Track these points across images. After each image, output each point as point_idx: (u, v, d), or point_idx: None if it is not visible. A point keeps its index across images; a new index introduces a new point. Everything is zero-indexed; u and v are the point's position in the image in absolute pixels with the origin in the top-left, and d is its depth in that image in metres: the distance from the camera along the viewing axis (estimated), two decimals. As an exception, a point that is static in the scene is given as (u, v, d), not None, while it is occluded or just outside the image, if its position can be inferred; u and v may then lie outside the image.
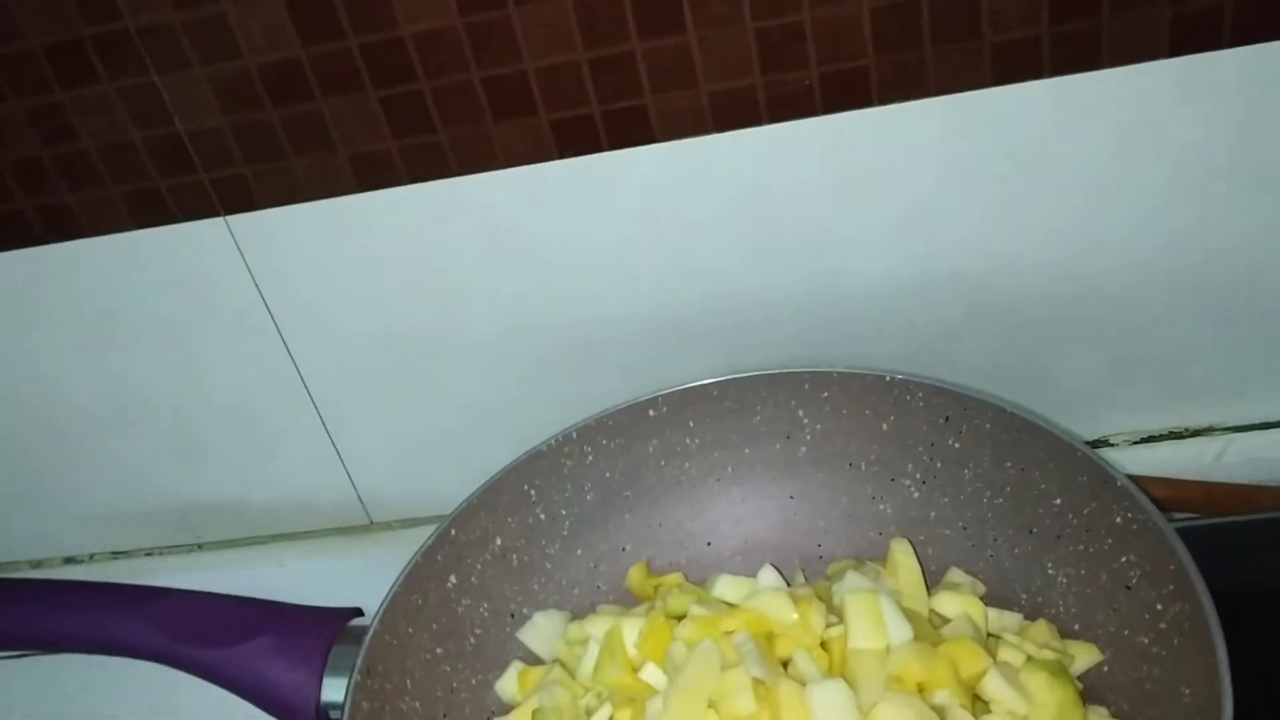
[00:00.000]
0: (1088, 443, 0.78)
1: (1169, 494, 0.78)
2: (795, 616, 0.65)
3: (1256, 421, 0.81)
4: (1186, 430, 0.82)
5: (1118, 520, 0.64)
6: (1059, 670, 0.61)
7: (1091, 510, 0.65)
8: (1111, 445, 0.83)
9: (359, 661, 0.64)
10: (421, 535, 0.82)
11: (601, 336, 0.78)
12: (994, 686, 0.61)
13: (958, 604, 0.67)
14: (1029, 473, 0.68)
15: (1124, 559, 0.64)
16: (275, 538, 0.92)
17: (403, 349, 0.80)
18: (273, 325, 0.79)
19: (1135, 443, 0.83)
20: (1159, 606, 0.61)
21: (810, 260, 0.74)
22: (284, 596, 0.75)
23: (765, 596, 0.67)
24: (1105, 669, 0.64)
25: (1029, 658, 0.63)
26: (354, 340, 0.80)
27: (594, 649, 0.68)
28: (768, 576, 0.70)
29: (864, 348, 0.78)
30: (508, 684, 0.70)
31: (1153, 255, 0.73)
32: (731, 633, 0.65)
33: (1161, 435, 0.82)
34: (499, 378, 0.81)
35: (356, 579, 0.86)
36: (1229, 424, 0.81)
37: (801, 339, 0.77)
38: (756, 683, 0.61)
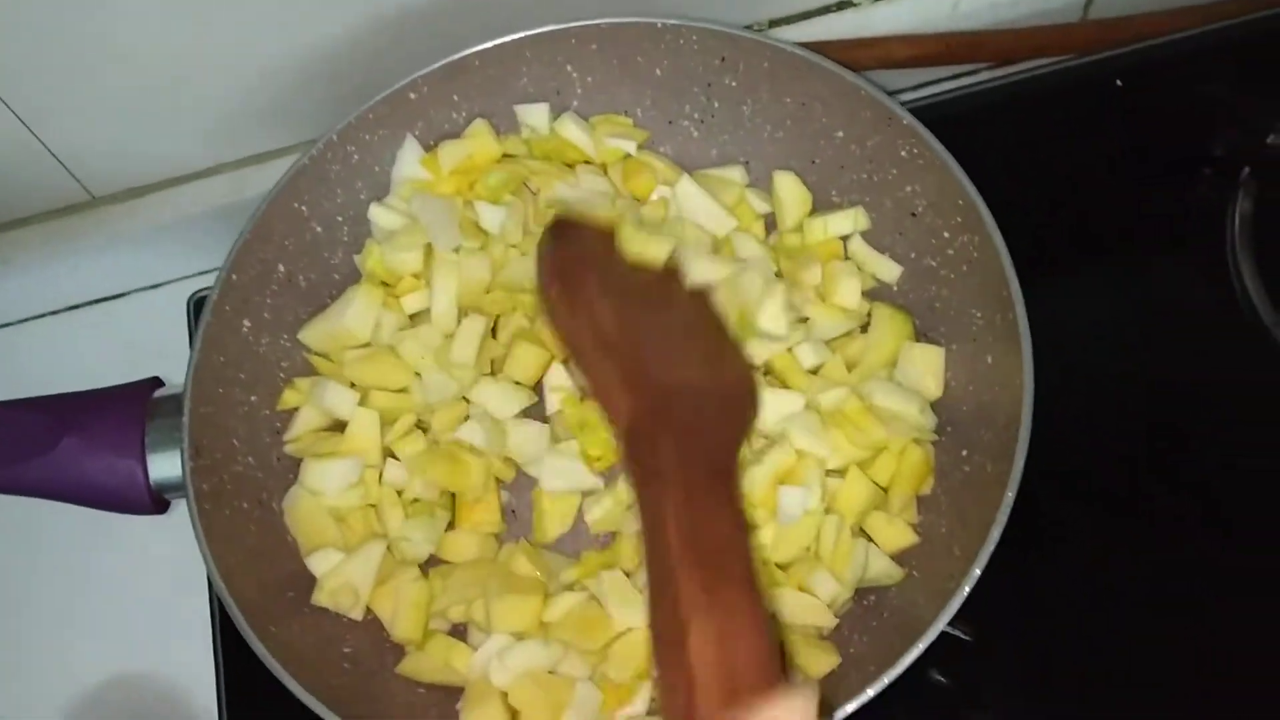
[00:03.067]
0: (832, 6, 0.78)
1: (911, 52, 0.80)
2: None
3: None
4: (925, -16, 0.82)
5: (902, 154, 0.66)
6: (902, 310, 0.67)
7: (875, 143, 0.67)
8: (855, 5, 0.82)
9: (185, 446, 0.61)
10: (153, 205, 0.77)
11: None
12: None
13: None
14: (809, 107, 0.69)
15: (908, 189, 0.67)
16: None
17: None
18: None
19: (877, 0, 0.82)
20: (946, 234, 0.65)
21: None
22: (22, 295, 0.72)
23: None
24: (896, 289, 0.69)
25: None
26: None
27: None
28: None
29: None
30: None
31: None
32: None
33: (903, -10, 0.82)
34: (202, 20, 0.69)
35: (94, 261, 0.80)
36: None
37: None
38: None
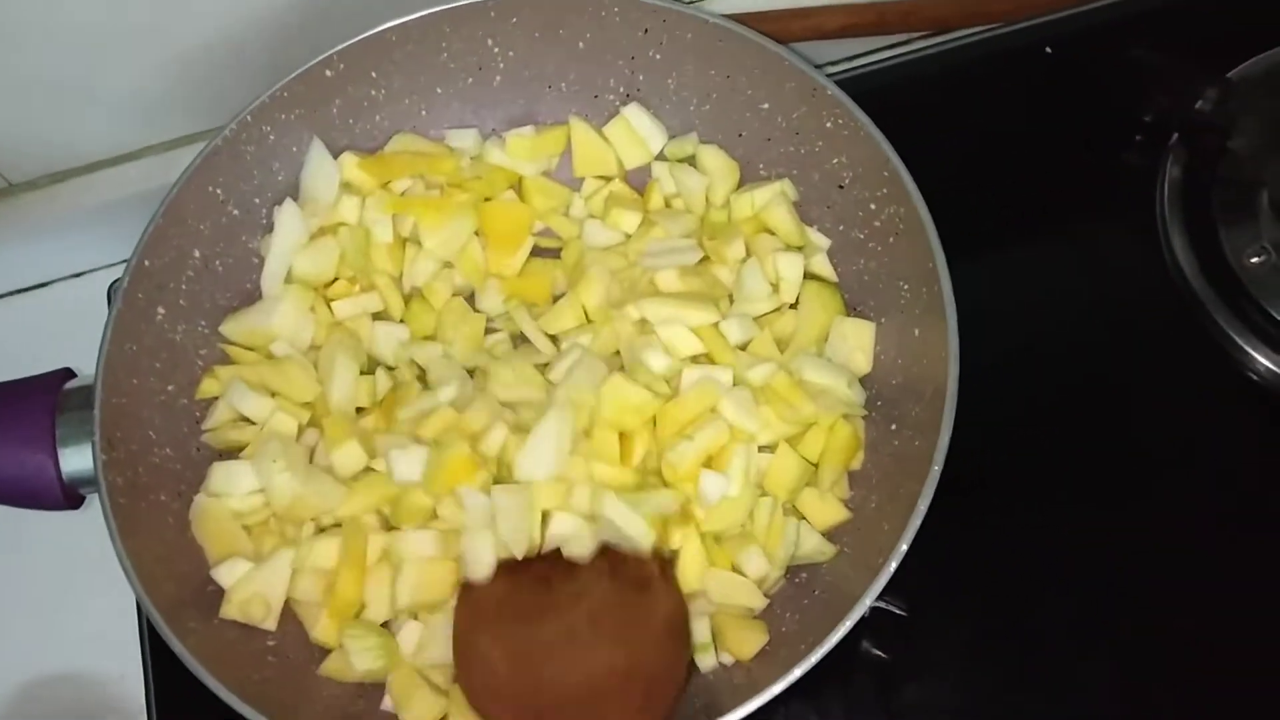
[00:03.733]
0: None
1: (843, 21, 0.78)
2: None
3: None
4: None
5: (828, 125, 0.65)
6: (832, 285, 0.66)
7: (801, 115, 0.66)
8: (790, -21, 0.81)
9: (96, 439, 0.59)
10: (74, 191, 0.75)
11: None
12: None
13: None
14: (735, 79, 0.68)
15: (835, 161, 0.66)
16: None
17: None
18: None
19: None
20: (872, 206, 0.64)
21: None
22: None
23: None
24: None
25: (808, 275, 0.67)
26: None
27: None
28: None
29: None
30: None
31: None
32: None
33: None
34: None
35: (14, 250, 0.78)
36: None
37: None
38: None
